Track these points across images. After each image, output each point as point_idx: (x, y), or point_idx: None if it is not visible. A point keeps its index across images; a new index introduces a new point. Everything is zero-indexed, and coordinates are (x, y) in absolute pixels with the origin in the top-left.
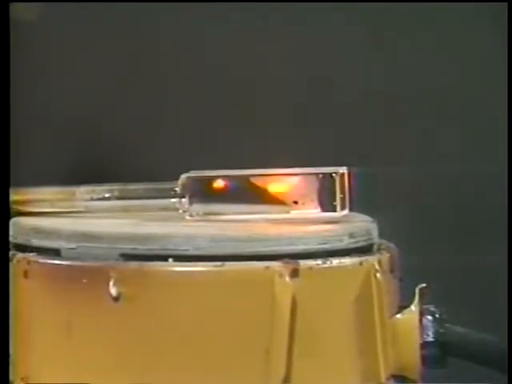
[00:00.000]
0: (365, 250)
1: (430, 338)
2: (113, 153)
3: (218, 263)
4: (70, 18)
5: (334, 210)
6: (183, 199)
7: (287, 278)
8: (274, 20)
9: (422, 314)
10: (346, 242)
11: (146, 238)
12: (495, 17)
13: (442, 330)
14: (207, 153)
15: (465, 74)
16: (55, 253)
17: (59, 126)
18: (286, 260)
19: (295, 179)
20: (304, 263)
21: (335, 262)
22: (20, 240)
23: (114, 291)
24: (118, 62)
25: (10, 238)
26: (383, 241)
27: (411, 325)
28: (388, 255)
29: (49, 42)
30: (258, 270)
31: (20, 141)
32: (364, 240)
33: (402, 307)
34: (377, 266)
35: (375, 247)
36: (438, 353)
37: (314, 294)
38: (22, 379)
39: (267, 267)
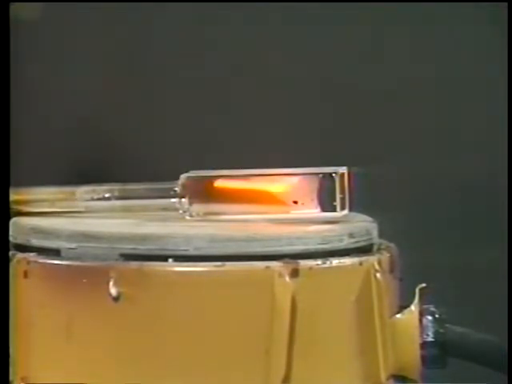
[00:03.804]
0: (365, 250)
1: (430, 338)
2: (113, 153)
3: (218, 263)
4: (69, 18)
5: (334, 210)
6: (183, 199)
7: (287, 278)
8: (274, 19)
9: (421, 314)
10: (346, 242)
11: (145, 238)
12: (495, 17)
13: (441, 330)
14: (207, 153)
15: (465, 73)
16: (55, 253)
17: (59, 126)
18: (286, 260)
19: (295, 179)
20: (304, 263)
21: (335, 262)
22: (20, 240)
23: (114, 291)
24: (118, 62)
25: (10, 238)
26: (383, 241)
27: (411, 325)
28: (388, 255)
29: (49, 42)
30: (258, 270)
31: (20, 141)
32: (364, 240)
33: (402, 307)
34: (377, 266)
35: (375, 247)
36: (437, 353)
37: (313, 294)
38: (22, 379)
39: (267, 267)
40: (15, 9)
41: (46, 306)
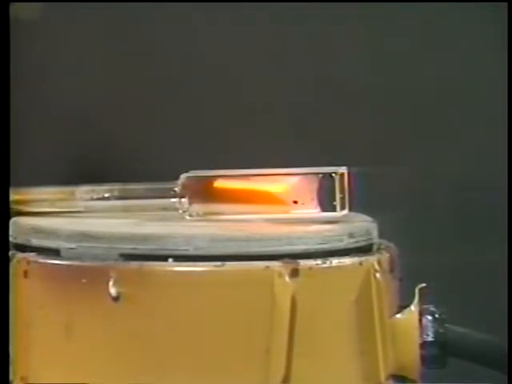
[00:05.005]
0: (365, 250)
1: (430, 338)
2: (113, 153)
3: (218, 263)
4: (69, 18)
5: (334, 210)
6: (183, 199)
7: (287, 278)
8: (274, 19)
9: (421, 313)
10: (346, 242)
11: (145, 238)
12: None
13: (441, 330)
14: (207, 153)
15: (465, 73)
16: (55, 253)
17: (59, 126)
18: (286, 260)
19: (295, 179)
20: (304, 263)
21: (335, 261)
22: (20, 240)
23: (113, 291)
24: (118, 62)
25: (10, 238)
26: (383, 241)
27: (411, 325)
28: (388, 255)
29: (49, 42)
30: (258, 270)
31: (20, 141)
32: (364, 240)
33: (402, 307)
34: (377, 266)
35: (375, 247)
36: (437, 353)
37: (313, 294)
38: (22, 379)
39: (267, 267)
40: (15, 9)
41: (45, 305)
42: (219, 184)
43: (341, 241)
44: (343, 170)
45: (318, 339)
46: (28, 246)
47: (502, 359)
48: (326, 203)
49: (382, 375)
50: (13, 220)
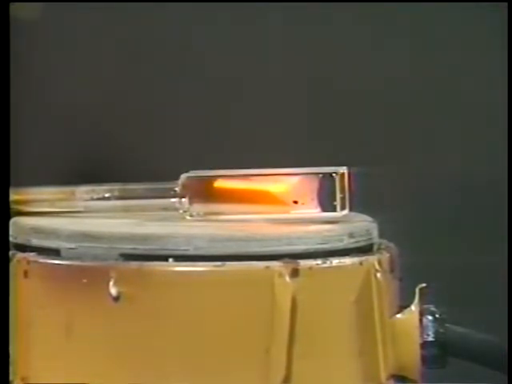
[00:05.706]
0: (365, 250)
1: (430, 338)
2: (113, 153)
3: (218, 263)
4: (69, 18)
5: (334, 210)
6: (183, 199)
7: (287, 278)
8: (274, 19)
9: (422, 313)
10: (346, 242)
11: (145, 238)
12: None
13: (441, 330)
14: (207, 153)
15: (465, 73)
16: (55, 253)
17: (59, 125)
18: (286, 260)
19: (295, 179)
20: (304, 263)
21: (335, 261)
22: (20, 240)
23: (114, 291)
24: (118, 62)
25: (10, 238)
26: (383, 241)
27: (411, 325)
28: (388, 255)
29: (49, 42)
30: (258, 270)
31: (20, 141)
32: (364, 240)
33: (402, 307)
34: (377, 266)
35: (375, 247)
36: (437, 353)
37: (313, 294)
38: (22, 379)
39: (267, 267)
40: (15, 9)
41: (45, 305)
42: (219, 184)
43: (341, 241)
44: (343, 169)
45: (318, 339)
46: (28, 246)
47: (502, 359)
48: (326, 203)
49: (383, 375)
50: (13, 220)
